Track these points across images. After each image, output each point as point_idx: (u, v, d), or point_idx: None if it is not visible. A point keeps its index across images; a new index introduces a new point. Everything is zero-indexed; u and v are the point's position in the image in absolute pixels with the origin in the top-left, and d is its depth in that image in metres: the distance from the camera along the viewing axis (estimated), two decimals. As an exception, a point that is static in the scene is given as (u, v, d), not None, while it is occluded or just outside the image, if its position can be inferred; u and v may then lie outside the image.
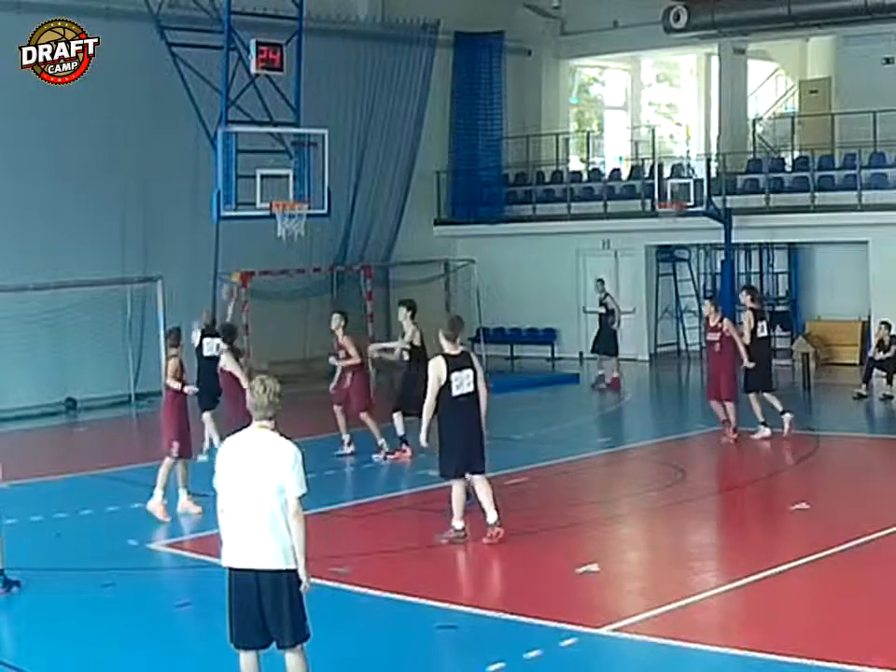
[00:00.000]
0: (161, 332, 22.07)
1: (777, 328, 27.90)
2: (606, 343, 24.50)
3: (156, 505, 13.79)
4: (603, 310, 24.52)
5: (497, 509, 12.41)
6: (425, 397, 12.23)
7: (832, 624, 9.68)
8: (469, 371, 12.16)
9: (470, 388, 12.15)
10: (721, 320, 17.92)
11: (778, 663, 8.72)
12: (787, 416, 17.93)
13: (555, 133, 31.31)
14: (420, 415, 12.63)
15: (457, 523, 12.49)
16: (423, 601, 10.55)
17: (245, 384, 14.03)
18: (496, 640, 9.66)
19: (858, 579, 10.87)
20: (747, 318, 18.05)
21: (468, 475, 12.44)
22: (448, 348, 12.21)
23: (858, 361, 25.38)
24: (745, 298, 18.50)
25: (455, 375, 12.07)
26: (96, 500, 14.96)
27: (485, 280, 28.85)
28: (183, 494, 13.95)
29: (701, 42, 30.18)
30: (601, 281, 24.98)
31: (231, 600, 7.62)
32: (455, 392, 12.06)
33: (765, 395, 18.04)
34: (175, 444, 13.81)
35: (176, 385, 13.89)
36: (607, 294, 24.68)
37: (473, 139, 30.69)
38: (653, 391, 26.23)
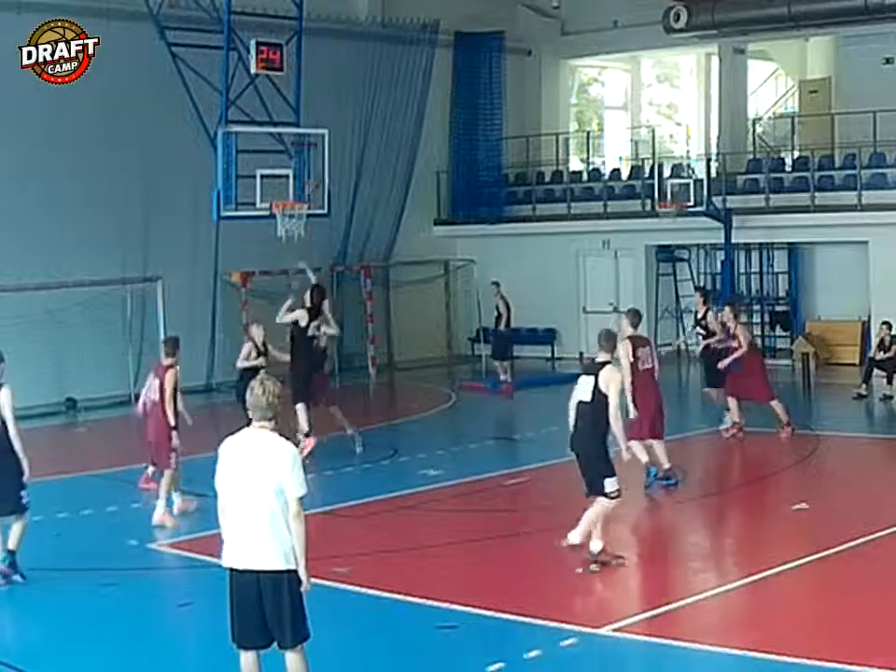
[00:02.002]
0: (162, 332, 22.08)
1: (777, 328, 28.04)
2: (495, 346, 24.59)
3: (162, 516, 13.69)
4: (495, 313, 24.61)
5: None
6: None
7: (832, 624, 9.69)
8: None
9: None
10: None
11: (778, 663, 8.73)
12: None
13: (555, 133, 31.31)
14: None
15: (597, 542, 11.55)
16: (423, 601, 10.55)
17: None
18: (496, 640, 9.67)
19: (858, 579, 10.88)
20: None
21: None
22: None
23: (858, 361, 25.36)
24: (697, 298, 19.02)
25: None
26: (96, 500, 14.97)
27: (485, 280, 28.83)
28: (177, 497, 13.94)
29: (701, 42, 30.18)
30: (496, 284, 25.04)
31: (231, 600, 7.62)
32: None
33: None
34: (174, 455, 13.75)
35: (180, 406, 13.80)
36: (501, 297, 24.71)
37: (473, 139, 30.68)
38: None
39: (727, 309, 18.78)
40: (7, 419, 11.17)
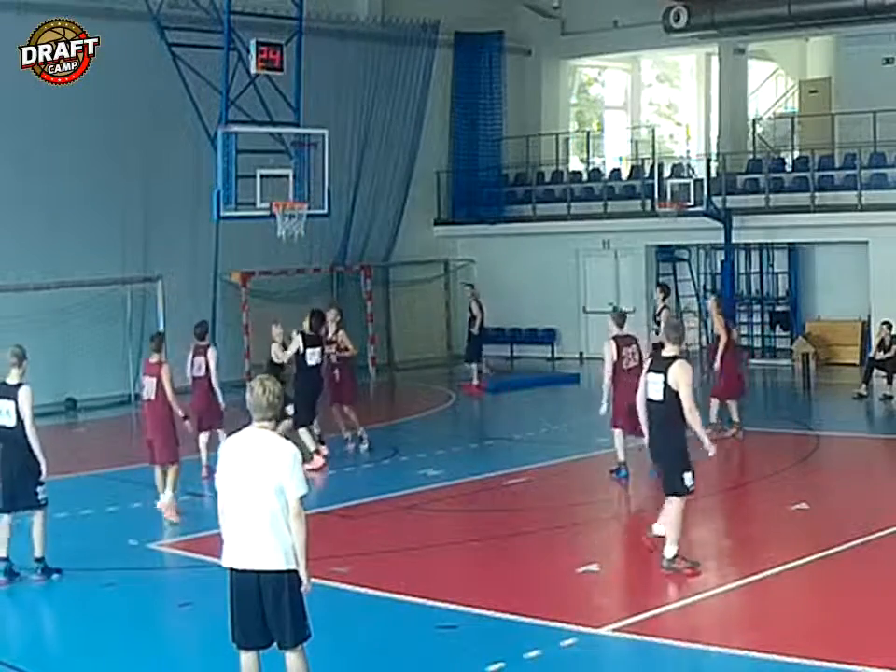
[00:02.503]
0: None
1: (777, 328, 28.03)
2: (470, 349, 24.54)
3: (169, 506, 13.84)
4: (469, 314, 24.58)
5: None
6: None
7: (832, 624, 9.69)
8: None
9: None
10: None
11: (778, 663, 8.73)
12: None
13: (555, 133, 31.32)
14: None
15: (672, 548, 11.17)
16: (423, 601, 10.56)
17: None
18: (496, 640, 9.66)
19: (858, 579, 10.87)
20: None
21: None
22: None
23: (858, 361, 25.36)
24: (657, 293, 19.08)
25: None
26: (96, 500, 14.97)
27: (485, 280, 28.85)
28: (168, 497, 13.98)
29: (701, 42, 30.19)
30: (471, 286, 25.01)
31: (232, 600, 7.62)
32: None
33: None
34: (177, 449, 13.85)
35: (178, 407, 13.87)
36: (475, 299, 24.73)
37: (473, 139, 30.70)
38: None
39: (711, 300, 19.59)
40: (25, 417, 11.34)
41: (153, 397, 13.82)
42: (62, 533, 13.21)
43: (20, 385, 11.41)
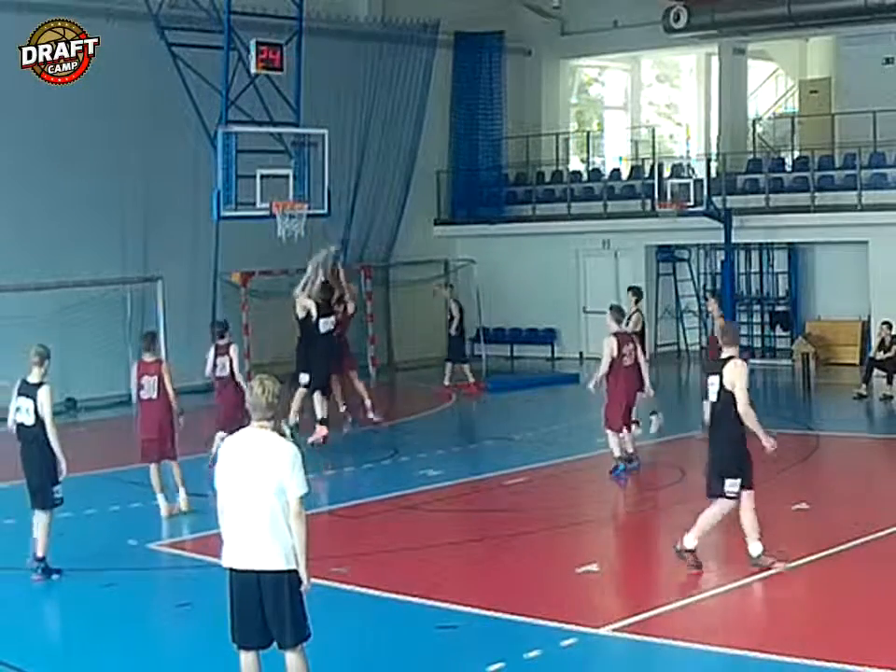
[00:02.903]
0: (162, 332, 22.08)
1: (777, 328, 28.04)
2: (454, 350, 24.45)
3: (182, 504, 14.03)
4: (447, 315, 24.50)
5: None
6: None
7: (832, 624, 9.69)
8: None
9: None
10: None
11: (778, 663, 8.73)
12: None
13: (555, 133, 31.32)
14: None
15: (756, 546, 11.20)
16: (423, 601, 10.55)
17: None
18: (496, 640, 9.66)
19: (858, 579, 10.87)
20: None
21: None
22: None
23: (858, 361, 25.36)
24: (629, 297, 18.94)
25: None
26: (96, 500, 14.97)
27: (485, 280, 28.85)
28: (161, 497, 14.02)
29: (701, 42, 30.19)
30: (450, 286, 24.98)
31: (232, 600, 7.62)
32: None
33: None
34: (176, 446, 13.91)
35: (178, 405, 13.91)
36: (454, 300, 24.71)
37: (473, 139, 30.68)
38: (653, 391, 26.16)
39: (712, 302, 19.99)
40: (45, 416, 11.44)
41: (154, 395, 13.84)
42: (63, 533, 13.22)
43: (40, 384, 11.49)
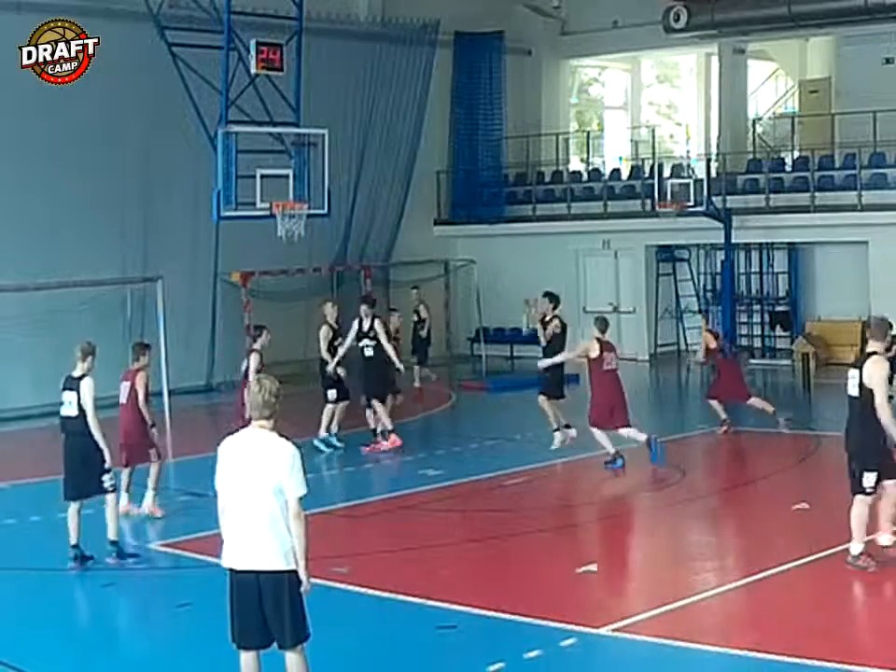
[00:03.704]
0: (162, 332, 22.07)
1: (777, 328, 28.04)
2: (422, 352, 24.37)
3: (151, 507, 13.98)
4: (416, 318, 24.46)
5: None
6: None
7: (832, 624, 9.69)
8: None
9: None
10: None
11: (778, 663, 8.73)
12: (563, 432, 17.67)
13: (555, 133, 31.32)
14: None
15: (856, 546, 11.06)
16: (423, 601, 10.55)
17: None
18: (496, 640, 9.66)
19: (858, 579, 10.86)
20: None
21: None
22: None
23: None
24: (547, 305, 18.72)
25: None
26: (96, 500, 14.92)
27: (485, 280, 28.84)
28: (150, 496, 14.05)
29: (701, 42, 30.18)
30: (416, 288, 25.02)
31: (231, 601, 7.62)
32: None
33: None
34: (153, 450, 13.93)
35: (148, 414, 13.85)
36: (422, 301, 24.70)
37: (473, 139, 30.69)
38: (653, 391, 26.21)
39: (702, 319, 22.08)
40: (86, 408, 11.78)
41: (125, 401, 13.93)
42: (63, 532, 13.23)
43: (83, 377, 11.89)
